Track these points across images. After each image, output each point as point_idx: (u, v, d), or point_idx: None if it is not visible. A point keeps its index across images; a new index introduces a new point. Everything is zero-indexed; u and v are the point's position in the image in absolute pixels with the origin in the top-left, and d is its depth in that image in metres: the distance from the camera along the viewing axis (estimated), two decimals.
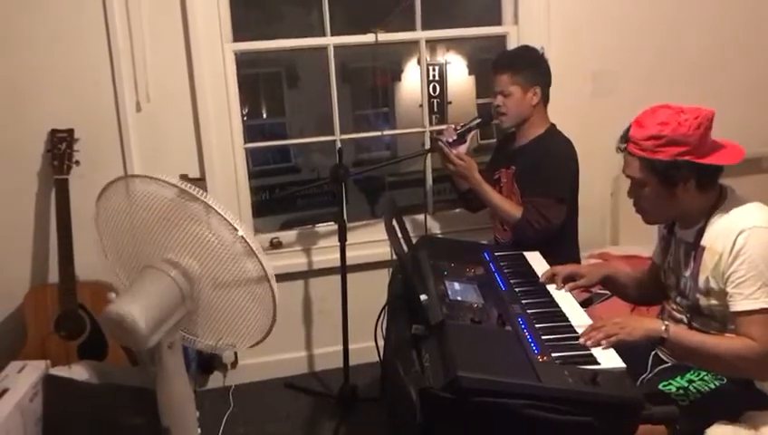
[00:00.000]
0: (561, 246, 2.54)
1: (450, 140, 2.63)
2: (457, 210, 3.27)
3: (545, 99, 2.63)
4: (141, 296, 1.70)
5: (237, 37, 2.98)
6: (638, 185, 1.78)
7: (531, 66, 2.59)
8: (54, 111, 2.74)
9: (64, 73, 2.76)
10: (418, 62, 3.35)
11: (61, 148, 2.69)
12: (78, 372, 2.51)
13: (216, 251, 1.79)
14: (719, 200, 1.77)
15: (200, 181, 2.91)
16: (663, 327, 1.67)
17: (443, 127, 2.90)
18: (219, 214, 1.74)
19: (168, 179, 1.77)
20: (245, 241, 1.75)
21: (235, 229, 1.74)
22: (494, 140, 2.96)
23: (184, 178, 2.86)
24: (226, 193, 3.01)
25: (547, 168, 2.52)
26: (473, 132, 2.72)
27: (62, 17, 2.71)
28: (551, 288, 2.05)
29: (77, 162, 2.72)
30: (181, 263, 1.78)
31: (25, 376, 2.39)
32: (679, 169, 1.70)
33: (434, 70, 5.83)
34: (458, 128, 2.68)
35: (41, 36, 2.72)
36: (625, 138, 1.79)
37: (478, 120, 2.69)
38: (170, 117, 2.89)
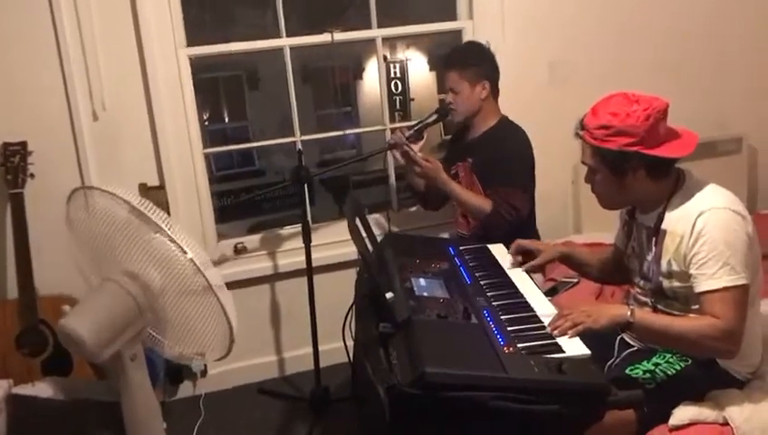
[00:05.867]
0: (523, 236, 2.57)
1: (407, 136, 2.65)
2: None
3: (494, 92, 2.68)
4: (90, 311, 1.68)
5: (192, 41, 2.94)
6: (592, 172, 1.83)
7: (477, 62, 2.65)
8: (5, 124, 2.68)
9: (14, 85, 2.69)
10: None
11: (14, 161, 2.62)
12: (42, 389, 2.45)
13: (177, 264, 1.76)
14: (677, 185, 1.80)
15: (160, 189, 2.87)
16: (628, 312, 1.69)
17: (403, 124, 2.91)
18: (169, 236, 1.70)
19: (123, 196, 1.73)
20: (194, 263, 1.72)
21: (185, 252, 1.71)
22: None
23: (143, 187, 2.81)
24: (187, 200, 2.97)
25: (506, 158, 2.57)
26: (429, 128, 2.74)
27: (9, 27, 2.65)
28: (515, 279, 2.06)
29: (32, 175, 2.65)
30: (141, 275, 1.75)
31: None
32: (628, 160, 1.73)
33: (395, 67, 5.84)
34: (414, 125, 2.72)
35: None
36: (578, 127, 1.82)
37: (435, 117, 2.72)
38: (126, 125, 2.84)
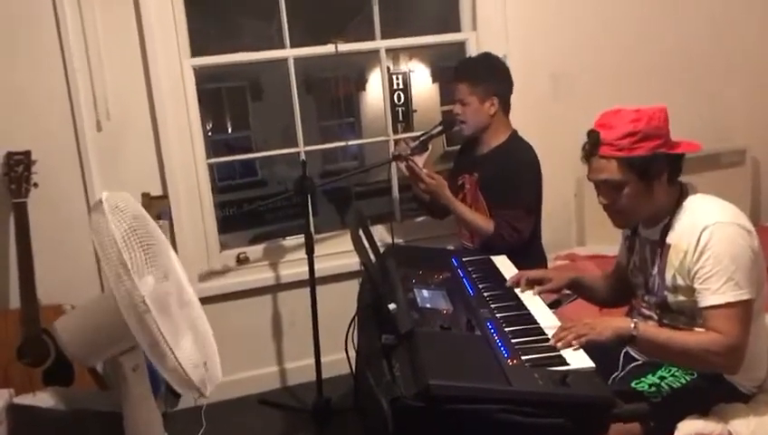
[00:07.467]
0: (528, 250, 2.56)
1: (411, 147, 2.64)
2: (424, 217, 3.27)
3: (505, 108, 2.63)
4: (78, 317, 1.68)
5: (196, 52, 2.95)
6: (617, 187, 1.76)
7: (490, 77, 2.59)
8: (9, 133, 2.68)
9: (19, 94, 2.70)
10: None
11: (18, 170, 2.63)
12: (43, 399, 2.43)
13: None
14: (681, 197, 1.80)
15: (163, 199, 2.87)
16: (632, 325, 1.69)
17: (407, 135, 2.90)
18: (130, 278, 1.60)
19: (113, 230, 1.63)
20: (145, 303, 1.59)
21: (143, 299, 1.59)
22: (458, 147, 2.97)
23: (146, 196, 2.81)
24: (190, 209, 2.97)
25: (513, 178, 2.53)
26: (434, 139, 2.73)
27: (14, 37, 2.66)
28: (518, 291, 2.05)
29: (35, 185, 2.65)
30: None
31: None
32: (658, 163, 1.73)
33: (398, 78, 5.84)
34: (419, 136, 2.69)
35: None
36: (593, 145, 1.78)
37: (440, 128, 2.70)
38: (130, 135, 2.85)
